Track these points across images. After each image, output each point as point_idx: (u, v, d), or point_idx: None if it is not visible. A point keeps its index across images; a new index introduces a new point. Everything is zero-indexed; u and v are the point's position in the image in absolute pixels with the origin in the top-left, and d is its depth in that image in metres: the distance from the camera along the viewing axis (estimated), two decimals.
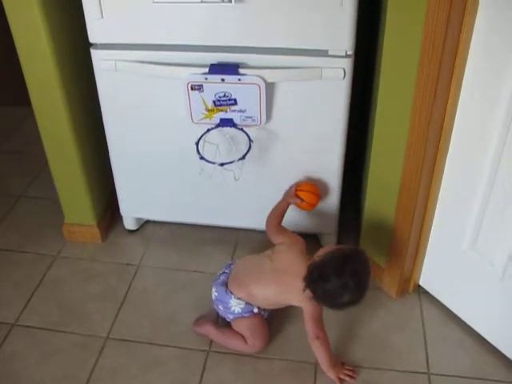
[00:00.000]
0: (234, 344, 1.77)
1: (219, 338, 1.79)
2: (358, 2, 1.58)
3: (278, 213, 1.90)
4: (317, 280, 1.59)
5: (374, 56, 1.92)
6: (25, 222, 2.34)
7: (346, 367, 1.71)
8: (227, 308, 1.76)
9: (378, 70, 1.68)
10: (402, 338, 1.82)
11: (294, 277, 1.64)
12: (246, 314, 1.74)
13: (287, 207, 1.90)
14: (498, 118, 1.46)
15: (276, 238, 1.84)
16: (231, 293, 1.74)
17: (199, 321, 1.84)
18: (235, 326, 1.77)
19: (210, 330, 1.80)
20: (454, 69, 1.50)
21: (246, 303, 1.74)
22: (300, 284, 1.62)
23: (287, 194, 1.91)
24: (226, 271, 1.83)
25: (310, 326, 1.67)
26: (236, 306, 1.74)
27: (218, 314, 1.85)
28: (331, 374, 1.69)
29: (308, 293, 1.62)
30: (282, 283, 1.69)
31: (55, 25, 1.77)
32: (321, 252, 1.67)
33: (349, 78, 1.71)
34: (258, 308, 1.75)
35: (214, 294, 1.79)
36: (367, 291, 1.61)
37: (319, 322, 1.67)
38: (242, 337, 1.75)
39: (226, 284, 1.78)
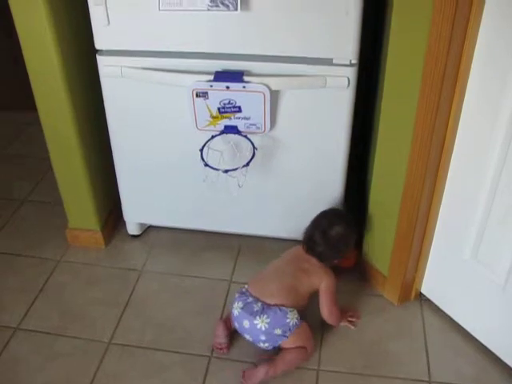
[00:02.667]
0: (298, 359, 1.72)
1: (280, 369, 1.68)
2: (362, 12, 1.59)
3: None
4: (309, 239, 1.82)
5: (377, 63, 1.93)
6: (28, 226, 2.35)
7: (349, 314, 1.89)
8: (285, 327, 1.67)
9: (382, 80, 1.69)
10: (404, 345, 1.82)
11: (309, 257, 1.82)
12: (299, 322, 1.70)
13: None
14: (500, 130, 1.46)
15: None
16: (284, 307, 1.69)
17: (247, 374, 1.69)
18: (292, 341, 1.69)
19: (263, 372, 1.67)
20: (457, 80, 1.51)
21: (295, 309, 1.71)
22: (315, 263, 1.80)
23: None
24: (244, 298, 1.73)
25: (325, 301, 1.79)
26: (293, 317, 1.69)
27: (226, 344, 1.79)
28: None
29: (324, 268, 1.80)
30: (304, 269, 1.79)
31: (62, 30, 1.78)
32: None
33: (353, 87, 1.72)
34: None
35: (264, 325, 1.67)
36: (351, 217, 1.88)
37: (334, 297, 1.80)
38: (297, 348, 1.71)
39: (254, 310, 1.69)
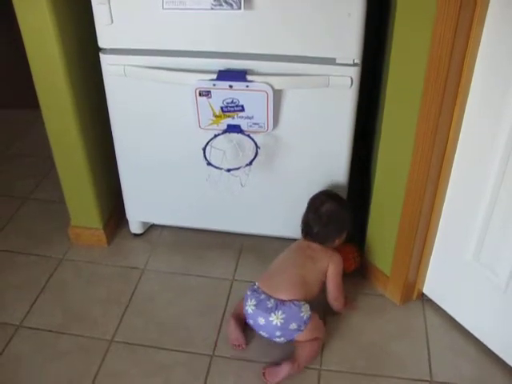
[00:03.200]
0: (315, 350, 1.75)
1: (302, 364, 1.71)
2: (366, 12, 1.59)
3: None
4: (305, 224, 1.85)
5: (381, 63, 1.93)
6: (30, 224, 2.35)
7: (351, 304, 1.94)
8: (300, 321, 1.68)
9: (385, 81, 1.69)
10: (405, 345, 1.82)
11: (311, 246, 1.83)
12: (311, 315, 1.70)
13: None
14: (503, 132, 1.46)
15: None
16: (297, 301, 1.69)
17: (270, 372, 1.70)
18: (307, 334, 1.70)
19: (287, 369, 1.69)
20: (460, 83, 1.51)
21: (306, 303, 1.72)
22: (318, 247, 1.83)
23: None
24: (257, 296, 1.72)
25: (332, 286, 1.83)
26: (306, 311, 1.69)
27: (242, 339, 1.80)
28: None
29: (328, 251, 1.82)
30: (309, 256, 1.81)
31: (65, 29, 1.78)
32: None
33: (356, 87, 1.72)
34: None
35: (280, 321, 1.66)
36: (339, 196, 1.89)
37: (341, 283, 1.84)
38: (313, 340, 1.73)
39: (266, 306, 1.69)
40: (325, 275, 1.81)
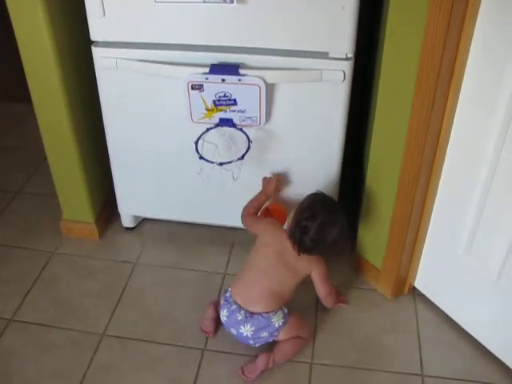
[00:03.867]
0: (295, 349, 1.74)
1: (278, 359, 1.71)
2: (359, 6, 1.59)
3: (257, 205, 1.91)
4: (300, 234, 1.69)
5: (373, 56, 1.93)
6: (22, 217, 2.34)
7: (342, 298, 1.92)
8: (271, 329, 1.68)
9: (378, 74, 1.69)
10: (396, 339, 1.83)
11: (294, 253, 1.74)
12: (286, 319, 1.70)
13: (266, 201, 1.93)
14: (496, 122, 1.47)
15: (255, 227, 1.86)
16: (266, 313, 1.68)
17: (247, 368, 1.71)
18: (284, 335, 1.70)
19: (264, 362, 1.70)
20: (453, 74, 1.51)
21: (279, 310, 1.70)
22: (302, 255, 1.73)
23: (267, 187, 1.91)
24: (228, 306, 1.72)
25: (321, 289, 1.80)
26: (278, 319, 1.68)
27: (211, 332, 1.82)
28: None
29: (312, 258, 1.74)
30: (287, 262, 1.74)
31: (57, 21, 1.77)
32: (289, 218, 1.78)
33: (348, 81, 1.72)
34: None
35: (249, 333, 1.68)
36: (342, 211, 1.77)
37: (328, 281, 1.80)
38: (293, 339, 1.72)
39: (241, 315, 1.69)
40: (302, 280, 1.77)
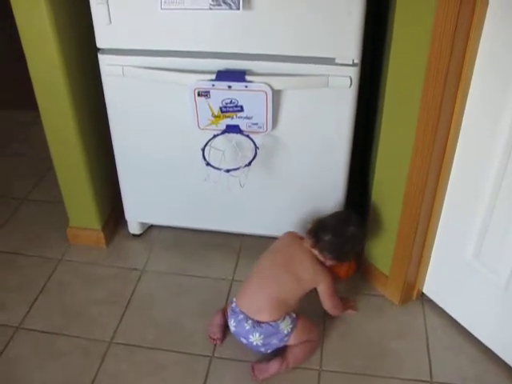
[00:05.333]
0: (307, 352, 1.75)
1: (291, 363, 1.72)
2: (365, 12, 1.59)
3: None
4: (318, 229, 1.77)
5: (380, 62, 1.93)
6: (29, 225, 2.35)
7: (350, 304, 1.92)
8: (280, 336, 1.68)
9: (385, 80, 1.69)
10: (405, 345, 1.82)
11: (302, 256, 1.77)
12: (295, 324, 1.70)
13: None
14: (504, 128, 1.46)
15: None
16: (274, 322, 1.67)
17: (258, 367, 1.72)
18: (294, 340, 1.70)
19: (276, 367, 1.71)
20: (460, 81, 1.51)
21: (287, 316, 1.70)
22: (309, 264, 1.75)
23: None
24: (235, 316, 1.72)
25: (327, 302, 1.80)
26: (286, 326, 1.68)
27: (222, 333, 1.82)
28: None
29: (319, 270, 1.75)
30: (295, 275, 1.73)
31: (63, 28, 1.77)
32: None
33: (355, 87, 1.72)
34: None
35: (259, 341, 1.67)
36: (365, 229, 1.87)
37: (334, 295, 1.80)
38: (304, 343, 1.73)
39: (249, 325, 1.68)
40: (307, 291, 1.76)
